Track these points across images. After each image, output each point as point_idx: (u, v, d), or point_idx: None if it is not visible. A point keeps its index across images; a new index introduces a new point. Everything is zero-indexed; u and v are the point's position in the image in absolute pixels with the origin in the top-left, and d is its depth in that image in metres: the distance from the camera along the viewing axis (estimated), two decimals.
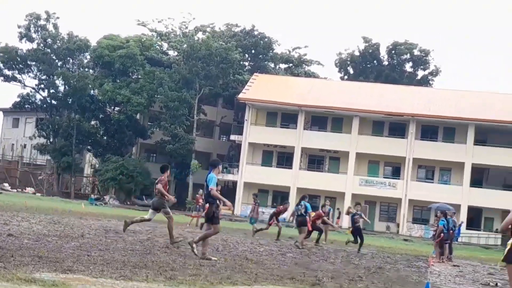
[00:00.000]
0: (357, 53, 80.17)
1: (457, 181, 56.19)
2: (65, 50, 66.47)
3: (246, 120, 60.14)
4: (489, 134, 56.51)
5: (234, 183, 60.46)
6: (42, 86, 67.87)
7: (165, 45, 71.86)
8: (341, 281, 11.54)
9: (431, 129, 58.07)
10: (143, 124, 68.85)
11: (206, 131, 71.29)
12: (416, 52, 78.92)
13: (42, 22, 66.64)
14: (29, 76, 68.19)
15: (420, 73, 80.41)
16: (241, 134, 60.64)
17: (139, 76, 66.04)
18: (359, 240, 22.01)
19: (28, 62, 66.95)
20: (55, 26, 67.32)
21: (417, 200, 55.48)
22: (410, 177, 56.49)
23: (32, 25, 66.37)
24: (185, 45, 66.01)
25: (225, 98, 70.45)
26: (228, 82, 67.21)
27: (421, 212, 56.64)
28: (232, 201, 54.37)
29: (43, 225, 18.51)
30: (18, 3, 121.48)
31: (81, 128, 65.50)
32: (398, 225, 56.15)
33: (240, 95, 60.38)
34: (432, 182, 57.42)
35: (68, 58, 67.99)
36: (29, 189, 62.20)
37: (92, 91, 67.63)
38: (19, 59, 66.37)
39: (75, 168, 66.90)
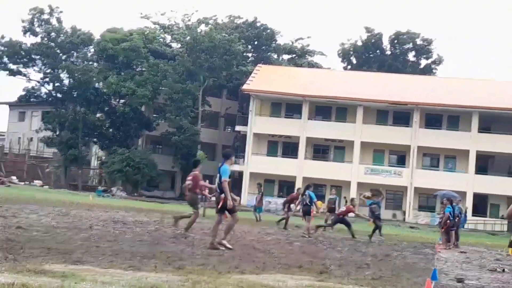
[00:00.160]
0: (359, 43, 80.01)
1: (462, 169, 56.21)
2: (69, 44, 66.71)
3: (251, 111, 60.18)
4: (493, 121, 56.43)
5: (240, 174, 60.61)
6: (47, 79, 68.20)
7: (168, 38, 71.88)
8: (349, 269, 11.58)
9: (435, 118, 58.02)
10: (148, 116, 68.99)
11: (211, 122, 71.40)
12: (418, 42, 78.81)
13: (45, 16, 66.89)
14: (34, 70, 68.63)
15: (423, 62, 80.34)
16: (246, 125, 60.68)
17: (143, 69, 66.13)
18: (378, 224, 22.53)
19: (33, 56, 67.23)
20: (59, 20, 67.61)
21: (422, 188, 55.54)
22: (415, 165, 56.53)
23: (35, 20, 66.66)
24: (188, 37, 66.04)
25: (229, 90, 70.50)
26: (231, 74, 67.20)
27: (427, 199, 56.68)
28: (239, 191, 54.57)
29: (52, 217, 18.66)
30: None
31: (86, 121, 65.80)
32: (404, 213, 56.23)
33: (244, 86, 60.38)
34: (438, 170, 57.43)
35: (72, 52, 68.23)
36: (37, 182, 62.48)
37: (96, 84, 67.85)
38: (23, 53, 66.63)
39: (82, 160, 67.27)
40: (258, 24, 73.00)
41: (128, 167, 60.39)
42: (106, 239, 13.19)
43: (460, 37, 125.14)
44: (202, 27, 69.26)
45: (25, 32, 66.70)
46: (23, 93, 69.06)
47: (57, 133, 67.72)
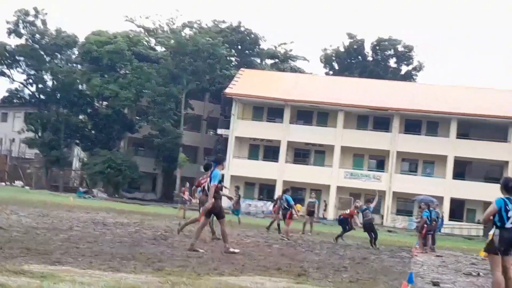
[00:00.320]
0: (342, 49, 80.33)
1: (440, 174, 56.74)
2: (53, 46, 66.64)
3: (233, 114, 60.31)
4: (472, 128, 57.01)
5: (222, 176, 60.60)
6: (31, 81, 68.06)
7: (152, 41, 71.86)
8: (326, 271, 11.75)
9: (414, 123, 58.48)
10: (131, 119, 68.92)
11: (194, 125, 71.48)
12: (400, 48, 79.30)
13: (30, 18, 66.90)
14: (18, 71, 68.43)
15: (404, 69, 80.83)
16: (228, 128, 60.76)
17: (127, 71, 66.09)
18: (373, 236, 21.88)
19: (17, 57, 67.08)
20: (44, 22, 67.57)
21: (401, 192, 55.90)
22: (394, 170, 56.95)
23: (20, 21, 66.59)
24: (172, 41, 66.08)
25: (212, 93, 70.53)
26: (215, 77, 67.27)
27: (405, 204, 57.08)
28: None
29: (32, 218, 18.67)
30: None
31: (69, 122, 65.71)
32: (382, 217, 56.58)
33: (227, 90, 60.49)
34: (416, 175, 57.89)
35: (56, 54, 68.15)
36: (18, 183, 62.20)
37: (80, 86, 67.76)
38: (7, 55, 66.47)
39: (64, 161, 67.08)
40: (242, 29, 73.18)
41: (109, 169, 60.34)
42: (86, 240, 13.26)
43: (441, 44, 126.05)
44: (187, 31, 69.39)
45: (9, 33, 66.55)
46: (6, 94, 68.91)
47: (40, 134, 67.48)
